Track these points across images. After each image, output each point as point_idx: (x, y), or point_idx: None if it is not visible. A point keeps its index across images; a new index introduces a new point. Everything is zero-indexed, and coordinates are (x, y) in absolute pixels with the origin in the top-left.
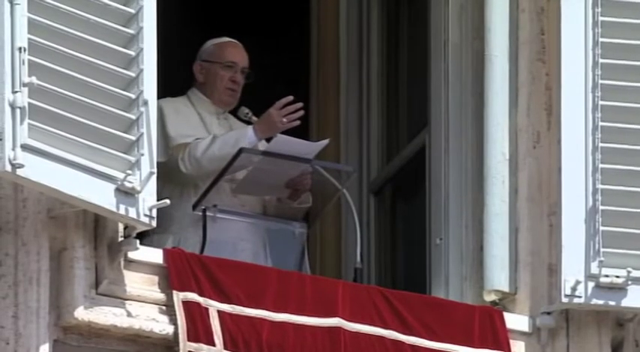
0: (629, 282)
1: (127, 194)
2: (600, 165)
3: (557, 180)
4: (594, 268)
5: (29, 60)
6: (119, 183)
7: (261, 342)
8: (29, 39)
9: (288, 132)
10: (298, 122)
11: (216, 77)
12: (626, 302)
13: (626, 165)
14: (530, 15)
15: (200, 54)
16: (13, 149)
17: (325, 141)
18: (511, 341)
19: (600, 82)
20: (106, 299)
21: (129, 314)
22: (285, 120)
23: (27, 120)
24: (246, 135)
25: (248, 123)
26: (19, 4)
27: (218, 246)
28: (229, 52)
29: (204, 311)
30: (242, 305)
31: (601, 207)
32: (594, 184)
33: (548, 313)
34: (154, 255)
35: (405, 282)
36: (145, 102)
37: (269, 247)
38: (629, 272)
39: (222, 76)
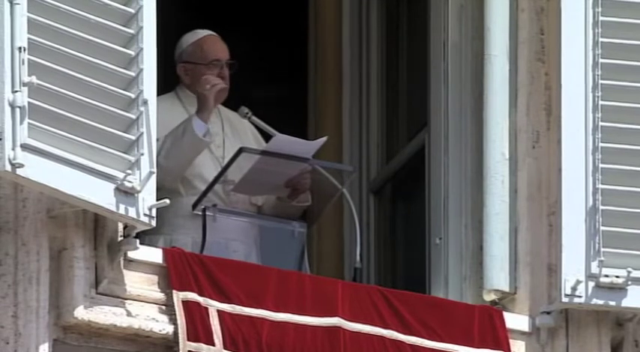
0: (629, 282)
1: (126, 193)
2: (600, 165)
3: (557, 180)
4: (594, 268)
5: (29, 59)
6: (119, 182)
7: (260, 342)
8: (29, 39)
9: (288, 132)
10: (224, 85)
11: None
12: (626, 302)
13: (626, 165)
14: (530, 15)
15: (180, 55)
16: (13, 149)
17: (323, 139)
18: (511, 341)
19: (600, 82)
20: (105, 299)
21: (129, 314)
22: (208, 86)
23: (27, 120)
24: (190, 121)
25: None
26: (19, 3)
27: (210, 247)
28: (210, 50)
29: (203, 311)
30: (242, 305)
31: (601, 207)
32: (594, 184)
33: (548, 313)
34: (153, 254)
35: (405, 282)
36: (145, 102)
37: (262, 247)
38: (629, 272)
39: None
